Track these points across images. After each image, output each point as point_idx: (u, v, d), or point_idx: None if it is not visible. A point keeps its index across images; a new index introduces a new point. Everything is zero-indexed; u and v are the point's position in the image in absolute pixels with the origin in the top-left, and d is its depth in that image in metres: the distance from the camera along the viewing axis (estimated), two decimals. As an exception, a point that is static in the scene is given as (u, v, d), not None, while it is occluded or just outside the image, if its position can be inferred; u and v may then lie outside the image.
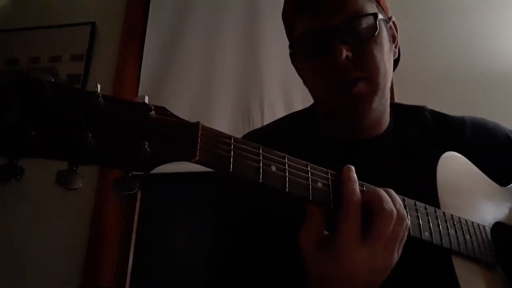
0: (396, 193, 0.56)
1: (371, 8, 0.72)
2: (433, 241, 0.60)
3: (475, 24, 1.98)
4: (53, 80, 0.39)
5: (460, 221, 0.65)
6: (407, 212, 0.56)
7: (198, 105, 1.95)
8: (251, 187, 0.49)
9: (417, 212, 0.60)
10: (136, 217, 1.91)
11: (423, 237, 0.59)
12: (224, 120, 1.90)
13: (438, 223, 0.62)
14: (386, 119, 0.81)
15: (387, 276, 0.53)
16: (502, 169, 0.80)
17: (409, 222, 0.55)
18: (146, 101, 0.43)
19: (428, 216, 0.61)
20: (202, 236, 1.72)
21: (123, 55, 2.11)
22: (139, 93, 1.99)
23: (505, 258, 0.70)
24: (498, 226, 0.73)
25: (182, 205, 1.93)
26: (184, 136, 0.45)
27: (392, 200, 0.54)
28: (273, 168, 0.50)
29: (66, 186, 0.38)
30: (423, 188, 0.68)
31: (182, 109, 1.92)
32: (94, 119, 0.40)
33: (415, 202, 0.61)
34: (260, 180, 0.48)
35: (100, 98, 0.40)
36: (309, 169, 0.53)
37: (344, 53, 0.67)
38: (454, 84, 1.89)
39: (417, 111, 0.86)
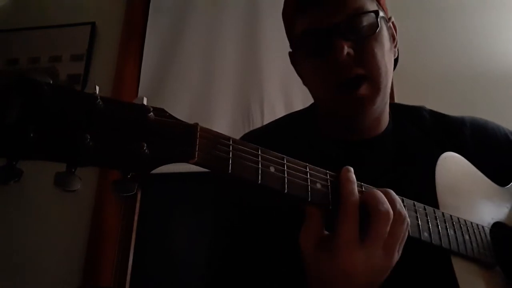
0: (396, 193, 0.56)
1: (372, 6, 0.72)
2: (432, 241, 0.60)
3: (475, 24, 1.98)
4: (51, 81, 0.39)
5: (459, 221, 0.66)
6: None
7: (198, 105, 1.95)
8: (250, 188, 0.49)
9: (416, 213, 0.60)
10: (136, 217, 1.91)
11: (422, 238, 0.59)
12: (224, 120, 1.90)
13: (437, 223, 0.62)
14: (386, 118, 0.81)
15: (387, 276, 0.53)
16: (502, 169, 0.80)
17: (409, 222, 0.55)
18: (145, 102, 0.43)
19: (427, 217, 0.61)
20: (202, 236, 1.72)
21: (123, 55, 2.11)
22: (139, 93, 2.00)
23: (504, 258, 0.70)
24: (497, 226, 0.73)
25: (182, 205, 1.93)
26: (183, 137, 0.45)
27: (392, 201, 0.54)
28: (272, 169, 0.50)
29: (64, 188, 0.38)
30: (422, 188, 0.68)
31: (182, 109, 1.92)
32: (93, 121, 0.40)
33: (414, 203, 0.61)
34: (259, 181, 0.48)
35: (99, 100, 0.40)
36: (308, 170, 0.53)
37: (346, 49, 0.67)
38: (454, 84, 1.89)
39: (416, 111, 0.86)
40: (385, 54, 0.72)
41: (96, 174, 1.88)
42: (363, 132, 0.78)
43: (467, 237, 0.65)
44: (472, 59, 1.93)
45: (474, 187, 0.75)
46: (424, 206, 0.62)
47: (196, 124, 0.46)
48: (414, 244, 0.58)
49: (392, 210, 0.53)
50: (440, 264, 0.63)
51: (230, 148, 0.48)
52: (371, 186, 0.57)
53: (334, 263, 0.51)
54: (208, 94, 1.96)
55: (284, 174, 0.51)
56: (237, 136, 0.60)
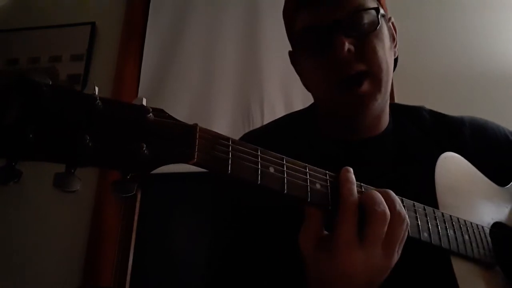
0: (395, 193, 0.56)
1: (372, 4, 0.72)
2: (432, 241, 0.60)
3: (475, 24, 1.98)
4: (51, 82, 0.39)
5: (459, 221, 0.65)
6: None
7: (198, 105, 1.95)
8: (250, 189, 0.49)
9: (416, 213, 0.60)
10: (136, 217, 1.91)
11: (422, 238, 0.59)
12: (224, 120, 1.90)
13: (437, 223, 0.62)
14: (386, 118, 0.81)
15: (386, 277, 0.54)
16: (501, 169, 0.80)
17: (409, 223, 0.55)
18: (144, 103, 0.43)
19: (426, 217, 0.61)
20: (202, 236, 1.72)
21: (123, 55, 2.11)
22: (139, 93, 2.00)
23: (504, 258, 0.70)
24: (497, 226, 0.73)
25: (182, 205, 1.93)
26: (182, 138, 0.45)
27: (391, 201, 0.54)
28: (272, 170, 0.50)
29: (64, 188, 0.38)
30: (422, 188, 0.68)
31: (182, 109, 1.92)
32: (92, 121, 0.40)
33: (413, 203, 0.61)
34: (259, 182, 0.48)
35: (98, 101, 0.40)
36: (307, 170, 0.53)
37: (347, 45, 0.67)
38: (454, 84, 1.89)
39: (416, 111, 0.86)
40: (386, 51, 0.72)
41: (96, 175, 1.88)
42: (363, 132, 0.78)
43: (466, 237, 0.65)
44: (472, 59, 1.93)
45: (474, 187, 0.75)
46: (424, 207, 0.62)
47: (196, 125, 0.46)
48: (413, 244, 0.58)
49: (392, 210, 0.53)
50: (439, 265, 0.63)
51: (229, 149, 0.48)
52: (370, 187, 0.57)
53: (334, 263, 0.51)
54: (208, 94, 1.96)
55: (284, 175, 0.51)
56: (237, 136, 0.60)
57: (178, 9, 2.18)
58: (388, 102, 0.80)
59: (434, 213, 0.63)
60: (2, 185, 0.36)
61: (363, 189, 0.56)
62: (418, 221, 0.60)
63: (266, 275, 0.73)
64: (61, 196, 1.86)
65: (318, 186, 0.53)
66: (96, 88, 0.40)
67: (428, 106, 0.89)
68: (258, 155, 0.50)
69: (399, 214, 0.53)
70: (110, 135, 0.40)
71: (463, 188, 0.72)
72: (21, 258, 1.80)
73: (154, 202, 1.96)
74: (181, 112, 1.90)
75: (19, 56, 2.17)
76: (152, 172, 0.43)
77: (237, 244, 0.76)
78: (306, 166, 0.53)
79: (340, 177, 0.54)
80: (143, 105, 0.43)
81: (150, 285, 1.81)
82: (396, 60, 0.80)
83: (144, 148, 0.41)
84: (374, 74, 0.69)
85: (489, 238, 0.69)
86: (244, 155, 0.48)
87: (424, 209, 0.62)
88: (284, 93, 1.92)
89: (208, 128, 0.48)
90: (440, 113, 0.87)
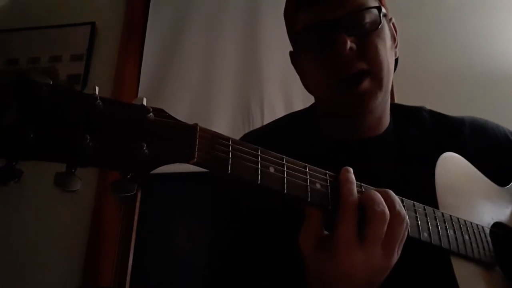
0: (396, 193, 0.56)
1: (374, 3, 0.72)
2: (432, 241, 0.60)
3: (475, 24, 1.98)
4: (51, 82, 0.39)
5: (459, 221, 0.65)
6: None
7: (198, 105, 1.95)
8: (250, 188, 0.49)
9: (416, 213, 0.60)
10: (136, 217, 1.91)
11: (422, 238, 0.59)
12: (224, 120, 1.90)
13: (437, 223, 0.62)
14: (386, 119, 0.81)
15: (386, 277, 0.54)
16: (501, 170, 0.80)
17: (409, 223, 0.55)
18: (144, 103, 0.43)
19: (426, 217, 0.61)
20: (202, 236, 1.71)
21: (123, 55, 2.11)
22: (139, 93, 2.00)
23: (504, 258, 0.70)
24: (497, 227, 0.73)
25: (182, 205, 1.93)
26: (182, 137, 0.45)
27: (391, 201, 0.54)
28: (272, 170, 0.50)
29: (64, 188, 0.38)
30: (422, 188, 0.68)
31: (182, 109, 1.92)
32: (93, 121, 0.40)
33: (413, 203, 0.61)
34: (259, 182, 0.48)
35: (99, 100, 0.40)
36: (307, 170, 0.53)
37: (349, 44, 0.67)
38: (454, 84, 1.89)
39: (416, 111, 0.86)
40: (387, 51, 0.72)
41: (96, 175, 1.88)
42: (364, 132, 0.78)
43: (467, 237, 0.65)
44: (472, 59, 1.93)
45: (474, 187, 0.75)
46: (424, 207, 0.62)
47: (196, 125, 0.46)
48: (413, 244, 0.58)
49: (391, 210, 0.53)
50: (439, 265, 0.63)
51: (229, 149, 0.48)
52: (370, 187, 0.57)
53: (334, 263, 0.51)
54: (208, 94, 1.96)
55: (284, 175, 0.51)
56: (237, 136, 0.60)
57: (178, 9, 2.18)
58: (389, 102, 0.80)
59: (434, 213, 0.63)
60: (2, 185, 0.37)
61: (363, 189, 0.56)
62: (418, 221, 0.60)
63: (266, 275, 0.73)
64: (61, 196, 1.86)
65: (318, 186, 0.53)
66: (97, 88, 0.40)
67: (428, 106, 0.89)
68: (258, 155, 0.50)
69: (399, 214, 0.53)
70: (111, 135, 0.40)
71: (463, 188, 0.72)
72: (21, 258, 1.80)
73: (154, 202, 1.96)
74: (181, 112, 1.90)
75: (19, 56, 2.17)
76: (152, 172, 0.43)
77: (237, 244, 0.76)
78: (306, 166, 0.53)
79: (340, 177, 0.54)
80: (144, 105, 0.43)
81: (150, 285, 1.81)
82: (396, 61, 0.80)
83: (144, 148, 0.41)
84: (375, 73, 0.69)
85: (489, 238, 0.69)
86: (244, 155, 0.48)
87: (424, 209, 0.62)
88: (284, 93, 1.92)
89: (208, 128, 0.48)
90: (440, 113, 0.87)
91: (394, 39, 0.78)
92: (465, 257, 0.64)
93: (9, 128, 0.36)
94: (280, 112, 1.80)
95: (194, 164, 0.45)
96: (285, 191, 0.50)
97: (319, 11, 0.70)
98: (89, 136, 0.39)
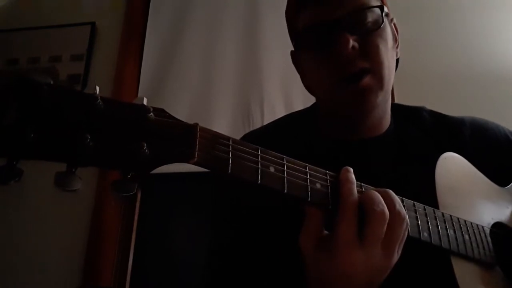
0: (396, 193, 0.56)
1: (376, 2, 0.72)
2: (432, 241, 0.60)
3: (475, 24, 1.98)
4: (52, 81, 0.39)
5: (459, 221, 0.65)
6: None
7: (198, 105, 1.95)
8: (250, 188, 0.49)
9: (416, 213, 0.60)
10: (136, 217, 1.91)
11: (422, 238, 0.59)
12: (224, 120, 1.90)
13: (437, 223, 0.62)
14: (387, 119, 0.81)
15: (386, 277, 0.53)
16: (502, 170, 0.80)
17: (409, 223, 0.55)
18: (145, 102, 0.43)
19: (427, 217, 0.61)
20: (202, 236, 1.72)
21: (123, 55, 2.11)
22: (139, 93, 2.00)
23: (504, 258, 0.70)
24: (497, 227, 0.73)
25: (182, 205, 1.93)
26: (183, 137, 0.45)
27: (391, 201, 0.54)
28: (272, 169, 0.50)
29: (64, 187, 0.38)
30: (422, 188, 0.68)
31: (182, 109, 1.92)
32: (93, 121, 0.40)
33: (413, 203, 0.61)
34: (259, 181, 0.48)
35: (99, 100, 0.40)
36: (307, 170, 0.53)
37: (351, 42, 0.67)
38: (454, 84, 1.89)
39: (416, 111, 0.86)
40: (389, 50, 0.72)
41: (96, 174, 1.88)
42: (364, 132, 0.78)
43: (467, 237, 0.65)
44: (472, 59, 1.93)
45: (474, 187, 0.75)
46: (424, 206, 0.62)
47: (196, 124, 0.46)
48: (414, 244, 0.58)
49: (391, 210, 0.53)
50: (440, 264, 0.63)
51: (230, 148, 0.48)
52: (370, 187, 0.57)
53: (334, 263, 0.51)
54: (208, 94, 1.96)
55: (284, 174, 0.51)
56: (237, 136, 0.60)
57: (178, 9, 2.18)
58: (390, 103, 0.80)
59: (434, 213, 0.63)
60: (3, 184, 0.37)
61: (363, 189, 0.56)
62: (418, 221, 0.60)
63: (266, 275, 0.73)
64: (61, 196, 1.86)
65: (318, 185, 0.53)
66: (97, 88, 0.40)
67: (428, 106, 0.89)
68: (258, 154, 0.50)
69: (399, 213, 0.53)
70: (111, 135, 0.40)
71: (463, 188, 0.72)
72: (21, 258, 1.80)
73: (154, 202, 1.96)
74: (181, 112, 1.90)
75: (19, 56, 2.17)
76: (152, 172, 0.43)
77: (237, 244, 0.76)
78: (307, 165, 0.53)
79: (340, 177, 0.54)
80: (144, 105, 0.43)
81: (150, 285, 1.81)
82: (397, 61, 0.80)
83: (144, 148, 0.41)
84: (376, 71, 0.69)
85: (489, 238, 0.69)
86: (245, 155, 0.48)
87: (424, 209, 0.62)
88: (284, 93, 1.92)
89: (208, 128, 0.48)
90: (440, 114, 0.87)
91: (395, 39, 0.78)
92: (465, 257, 0.64)
93: (9, 128, 0.36)
94: (280, 112, 1.80)
95: (194, 164, 0.45)
96: (286, 190, 0.50)
97: (320, 11, 0.70)
98: (90, 136, 0.39)
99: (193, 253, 1.77)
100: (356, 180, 0.55)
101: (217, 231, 0.82)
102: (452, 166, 0.72)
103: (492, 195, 0.77)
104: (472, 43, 1.95)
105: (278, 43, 1.95)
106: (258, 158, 0.49)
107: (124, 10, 2.22)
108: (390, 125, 0.81)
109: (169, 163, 0.44)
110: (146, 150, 0.41)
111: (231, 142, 0.48)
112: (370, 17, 0.70)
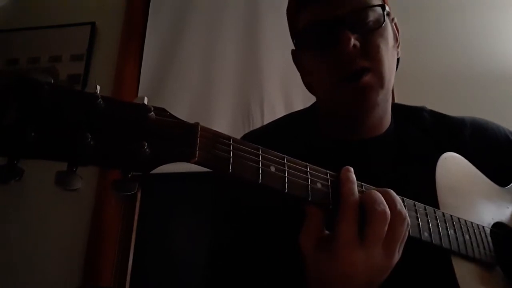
0: (396, 193, 0.56)
1: (377, 1, 0.72)
2: (433, 241, 0.60)
3: (475, 24, 1.98)
4: (52, 81, 0.39)
5: (459, 221, 0.65)
6: None
7: (198, 105, 1.95)
8: (251, 188, 0.49)
9: (417, 213, 0.60)
10: (136, 217, 1.91)
11: (422, 238, 0.59)
12: (224, 120, 1.90)
13: (437, 223, 0.62)
14: (388, 119, 0.81)
15: (387, 276, 0.53)
16: (502, 170, 0.80)
17: (409, 222, 0.55)
18: (146, 102, 0.43)
19: (427, 217, 0.61)
20: (202, 236, 1.72)
21: (123, 55, 2.11)
22: (139, 93, 2.00)
23: (504, 258, 0.70)
24: (497, 227, 0.73)
25: (182, 205, 1.93)
26: (184, 137, 0.45)
27: (391, 201, 0.54)
28: (273, 169, 0.50)
29: (65, 187, 0.38)
30: (423, 188, 0.68)
31: (182, 109, 1.92)
32: (94, 120, 0.40)
33: (414, 203, 0.61)
34: (260, 181, 0.48)
35: (100, 99, 0.40)
36: (308, 169, 0.53)
37: (352, 41, 0.67)
38: (454, 84, 1.89)
39: (416, 111, 0.86)
40: (389, 50, 0.72)
41: (96, 174, 1.88)
42: (364, 132, 0.78)
43: (467, 237, 0.65)
44: (472, 59, 1.93)
45: (475, 187, 0.74)
46: (425, 206, 0.62)
47: (197, 124, 0.46)
48: (414, 244, 0.58)
49: (392, 210, 0.53)
50: (440, 264, 0.63)
51: (230, 148, 0.48)
52: (371, 186, 0.57)
53: (334, 263, 0.51)
54: (208, 94, 1.96)
55: (285, 174, 0.51)
56: (237, 136, 0.60)
57: (178, 9, 2.18)
58: (390, 103, 0.80)
59: (435, 213, 0.63)
60: (3, 183, 0.37)
61: (363, 189, 0.56)
62: (418, 220, 0.60)
63: (266, 275, 0.73)
64: (61, 196, 1.86)
65: (319, 185, 0.53)
66: (98, 87, 0.40)
67: (428, 106, 0.89)
68: (259, 154, 0.50)
69: (400, 213, 0.53)
70: (112, 134, 0.40)
71: (464, 188, 0.72)
72: (21, 258, 1.80)
73: (154, 202, 1.96)
74: (181, 112, 1.90)
75: (19, 56, 2.17)
76: (152, 172, 0.43)
77: (237, 244, 0.76)
78: (307, 165, 0.53)
79: (340, 177, 0.54)
80: (145, 104, 0.43)
81: (150, 285, 1.81)
82: (398, 61, 0.80)
83: (145, 147, 0.41)
84: (377, 71, 0.69)
85: (489, 238, 0.69)
86: (245, 154, 0.48)
87: (425, 209, 0.62)
88: (284, 93, 1.92)
89: (209, 127, 0.48)
90: (440, 114, 0.87)
91: (396, 38, 0.78)
92: (466, 257, 0.64)
93: (9, 128, 0.36)
94: (280, 112, 1.80)
95: (195, 163, 0.45)
96: (286, 190, 0.50)
97: (322, 9, 0.70)
98: (90, 135, 0.39)
99: (193, 253, 1.76)
100: (357, 180, 0.55)
101: (217, 231, 0.82)
102: (453, 166, 0.72)
103: (493, 195, 0.77)
104: (472, 43, 1.96)
105: (278, 43, 1.95)
106: (259, 158, 0.49)
107: (124, 10, 2.22)
108: (390, 125, 0.81)
109: (170, 163, 0.44)
110: (147, 150, 0.41)
111: (232, 142, 0.48)
112: (372, 16, 0.70)
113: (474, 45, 1.95)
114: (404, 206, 0.57)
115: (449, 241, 0.62)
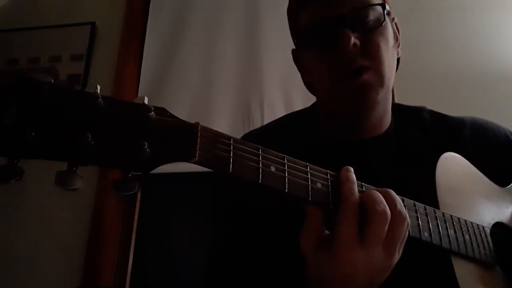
0: (396, 193, 0.56)
1: (378, 0, 0.72)
2: (433, 241, 0.60)
3: (475, 24, 1.99)
4: (52, 81, 0.39)
5: (459, 221, 0.65)
6: None
7: (198, 105, 1.95)
8: (251, 188, 0.49)
9: (417, 213, 0.60)
10: (136, 217, 1.91)
11: (422, 238, 0.59)
12: (224, 120, 1.90)
13: (437, 223, 0.62)
14: (388, 119, 0.81)
15: (387, 276, 0.53)
16: (502, 170, 0.80)
17: (409, 222, 0.55)
18: (146, 102, 0.43)
19: (427, 217, 0.61)
20: (202, 236, 1.72)
21: (123, 55, 2.11)
22: (139, 93, 2.00)
23: (504, 258, 0.70)
24: (497, 227, 0.73)
25: (182, 205, 1.93)
26: (184, 136, 0.45)
27: (391, 201, 0.54)
28: (273, 169, 0.50)
29: (65, 186, 0.38)
30: (423, 188, 0.68)
31: (182, 109, 1.92)
32: (94, 120, 0.40)
33: (414, 203, 0.61)
34: (260, 181, 0.48)
35: (100, 99, 0.40)
36: (308, 169, 0.53)
37: (353, 40, 0.67)
38: (454, 84, 1.89)
39: (416, 111, 0.86)
40: (389, 49, 0.72)
41: (96, 174, 1.88)
42: (364, 132, 0.78)
43: (467, 237, 0.65)
44: (472, 59, 1.93)
45: (475, 187, 0.74)
46: (425, 206, 0.62)
47: (197, 124, 0.46)
48: (414, 244, 0.58)
49: (392, 210, 0.53)
50: (440, 264, 0.63)
51: (231, 148, 0.48)
52: (371, 186, 0.57)
53: (334, 263, 0.51)
54: (208, 94, 1.96)
55: (285, 174, 0.51)
56: (237, 136, 0.60)
57: (178, 9, 2.18)
58: (390, 102, 0.80)
59: (435, 213, 0.63)
60: (3, 183, 0.37)
61: (364, 189, 0.56)
62: (419, 220, 0.60)
63: (266, 275, 0.73)
64: (61, 196, 1.86)
65: (319, 185, 0.53)
66: (98, 87, 0.40)
67: (428, 106, 0.89)
68: (259, 154, 0.50)
69: (400, 213, 0.53)
70: (112, 134, 0.40)
71: (464, 189, 0.72)
72: (21, 258, 1.80)
73: (154, 202, 1.96)
74: (181, 112, 1.90)
75: (19, 56, 2.17)
76: (152, 171, 0.43)
77: (237, 244, 0.76)
78: (307, 165, 0.53)
79: (341, 176, 0.54)
80: (145, 104, 0.43)
81: (150, 285, 1.81)
82: (398, 61, 0.80)
83: (145, 147, 0.41)
84: (377, 70, 0.69)
85: (489, 238, 0.69)
86: (246, 154, 0.48)
87: (425, 209, 0.62)
88: (284, 93, 1.92)
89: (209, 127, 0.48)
90: (440, 114, 0.87)
91: (396, 38, 0.78)
92: (466, 257, 0.64)
93: (9, 128, 0.36)
94: (280, 112, 1.79)
95: (195, 163, 0.45)
96: (286, 190, 0.50)
97: (322, 8, 0.70)
98: (90, 135, 0.39)
99: (193, 253, 1.76)
100: (357, 180, 0.55)
101: (218, 231, 0.82)
102: (453, 166, 0.72)
103: (493, 195, 0.77)
104: (472, 43, 1.96)
105: (278, 43, 1.95)
106: (259, 158, 0.49)
107: (124, 10, 2.22)
108: (390, 125, 0.81)
109: (170, 162, 0.44)
110: (147, 149, 0.41)
111: (232, 142, 0.48)
112: (372, 15, 0.70)
113: (474, 45, 1.95)
114: (404, 206, 0.57)
115: (449, 241, 0.62)
